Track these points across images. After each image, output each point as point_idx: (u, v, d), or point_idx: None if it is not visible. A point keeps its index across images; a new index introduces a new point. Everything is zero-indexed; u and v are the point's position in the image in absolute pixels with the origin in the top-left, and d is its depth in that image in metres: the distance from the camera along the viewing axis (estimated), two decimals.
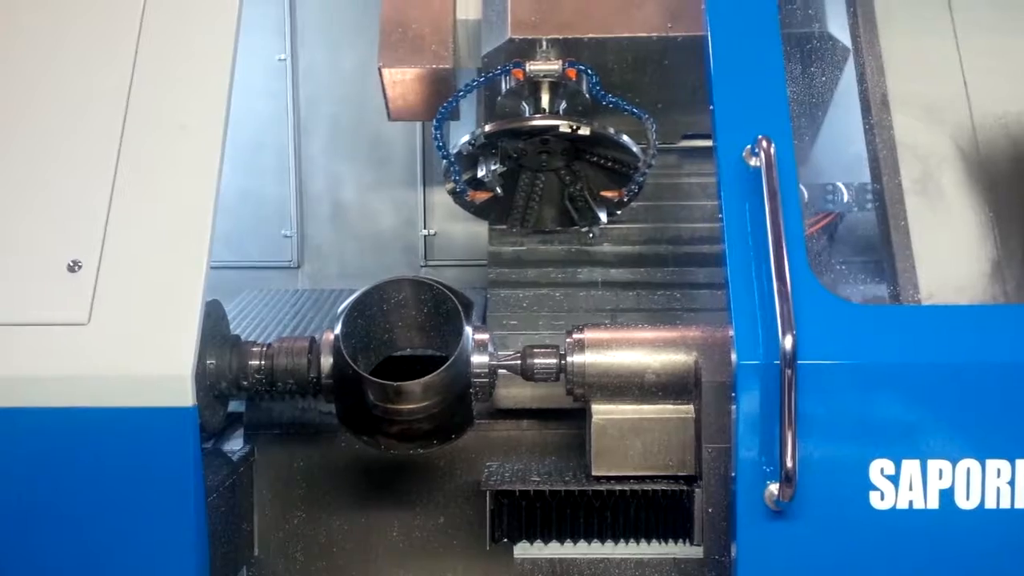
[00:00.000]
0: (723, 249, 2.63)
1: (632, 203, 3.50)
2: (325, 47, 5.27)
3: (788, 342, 2.40)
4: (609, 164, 3.32)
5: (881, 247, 2.94)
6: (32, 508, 2.60)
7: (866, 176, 3.10)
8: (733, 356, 2.52)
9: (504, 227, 3.59)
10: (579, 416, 2.96)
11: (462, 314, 2.83)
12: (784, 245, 2.49)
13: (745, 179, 2.65)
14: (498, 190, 3.33)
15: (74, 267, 2.65)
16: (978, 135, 2.98)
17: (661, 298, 3.50)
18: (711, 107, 2.76)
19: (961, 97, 3.01)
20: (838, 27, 3.22)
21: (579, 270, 3.58)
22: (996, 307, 2.81)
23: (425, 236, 5.21)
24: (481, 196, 3.41)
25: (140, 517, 2.59)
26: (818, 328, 2.49)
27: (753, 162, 2.65)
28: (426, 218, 5.21)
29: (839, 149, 3.38)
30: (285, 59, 5.24)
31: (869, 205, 3.20)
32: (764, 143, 2.60)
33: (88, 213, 2.69)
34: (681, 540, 2.81)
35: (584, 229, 3.53)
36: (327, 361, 2.81)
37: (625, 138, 3.20)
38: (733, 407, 2.52)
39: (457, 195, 3.39)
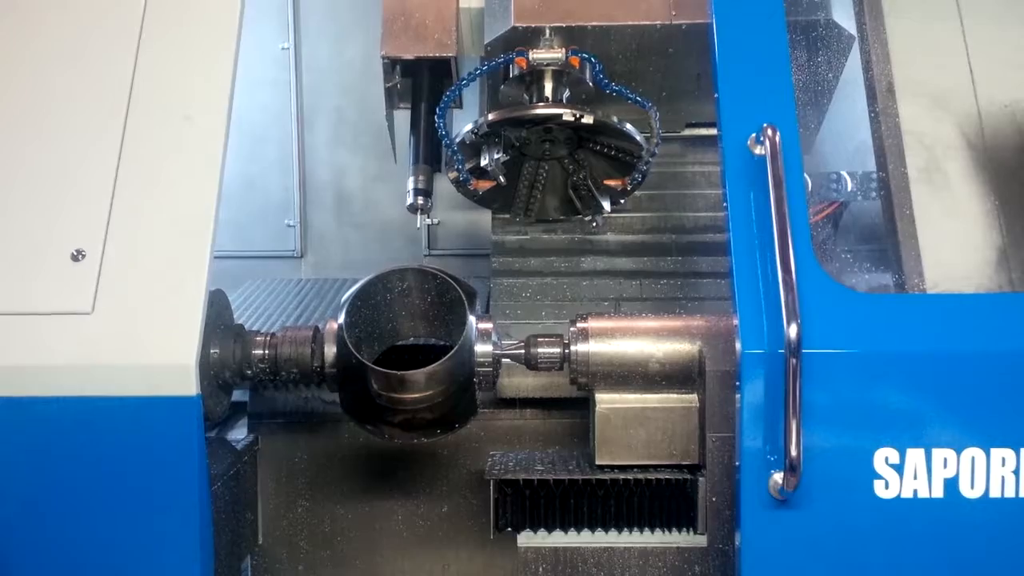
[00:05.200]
0: (728, 238, 2.62)
1: (635, 192, 3.49)
2: (328, 36, 5.26)
3: (793, 331, 2.39)
4: (612, 153, 3.31)
5: (886, 235, 2.93)
6: (37, 497, 2.60)
7: (871, 164, 3.09)
8: (737, 345, 2.51)
9: (507, 216, 3.59)
10: (583, 405, 2.96)
11: (466, 303, 2.83)
12: (789, 234, 2.48)
13: (750, 167, 2.65)
14: (501, 179, 3.32)
15: (78, 256, 2.65)
16: (984, 123, 2.97)
17: (664, 287, 3.49)
18: (716, 95, 2.75)
19: (967, 85, 3.00)
20: (843, 15, 3.20)
21: (582, 259, 3.57)
22: (1001, 295, 2.80)
23: (428, 225, 5.20)
24: (484, 185, 3.40)
25: (144, 506, 2.60)
26: (823, 317, 2.49)
27: (758, 150, 2.64)
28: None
29: (844, 137, 3.37)
30: (288, 48, 5.24)
31: (874, 194, 3.19)
32: (769, 131, 2.60)
33: (92, 203, 2.69)
34: (685, 529, 2.81)
35: (587, 218, 3.53)
36: (331, 350, 2.81)
37: (629, 127, 3.19)
38: (737, 396, 2.52)
39: (460, 184, 3.39)
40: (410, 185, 3.44)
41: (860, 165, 3.27)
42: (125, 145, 2.76)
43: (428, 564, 3.24)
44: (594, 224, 3.52)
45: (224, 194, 2.74)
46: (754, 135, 2.65)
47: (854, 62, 3.20)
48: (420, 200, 3.42)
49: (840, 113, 3.34)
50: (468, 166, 3.33)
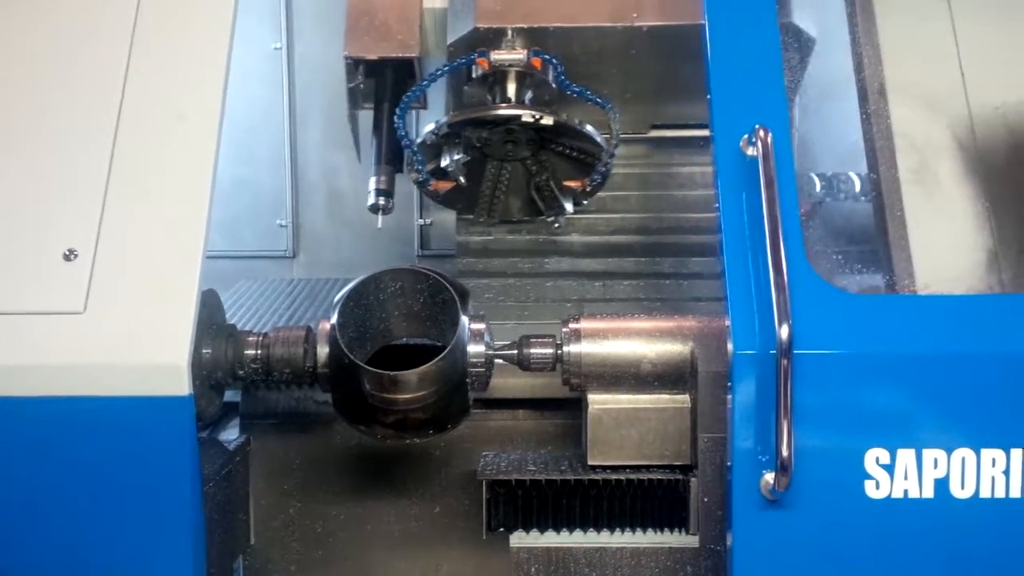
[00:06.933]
0: (719, 239, 2.63)
1: (600, 193, 3.48)
2: (321, 36, 5.25)
3: (784, 332, 2.40)
4: (574, 154, 3.31)
5: (877, 237, 2.94)
6: (28, 497, 2.60)
7: (836, 166, 3.11)
8: (729, 346, 2.52)
9: (472, 217, 3.59)
10: (575, 406, 2.96)
11: (458, 303, 2.83)
12: (781, 235, 2.49)
13: (742, 169, 2.65)
14: (461, 179, 3.31)
15: (70, 256, 2.64)
16: (975, 125, 2.98)
17: (628, 288, 3.51)
18: (708, 96, 2.76)
19: (959, 87, 3.01)
20: (803, 17, 3.20)
21: (546, 260, 3.58)
22: (992, 297, 2.82)
23: (421, 226, 5.21)
24: (444, 186, 3.39)
25: (136, 506, 2.59)
26: (814, 318, 2.49)
27: (750, 152, 2.65)
28: (422, 208, 5.20)
29: (810, 140, 3.38)
30: (281, 48, 5.23)
31: (843, 195, 3.22)
32: (761, 133, 2.60)
33: (84, 202, 2.69)
34: (677, 529, 2.81)
35: (550, 219, 3.52)
36: (323, 351, 2.81)
37: (589, 128, 3.19)
38: (729, 397, 2.53)
39: (421, 185, 3.39)
40: (372, 186, 3.45)
41: (828, 167, 3.29)
42: (117, 144, 2.76)
43: (420, 564, 3.24)
44: (556, 225, 3.52)
45: (216, 193, 2.74)
46: (746, 136, 2.66)
47: (815, 64, 3.21)
48: (381, 200, 3.43)
49: (806, 115, 3.35)
50: (430, 167, 3.33)
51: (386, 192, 3.44)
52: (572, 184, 3.39)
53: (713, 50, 2.79)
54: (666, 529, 2.83)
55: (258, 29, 5.21)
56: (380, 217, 3.47)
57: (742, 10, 2.84)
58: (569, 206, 3.41)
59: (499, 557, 2.97)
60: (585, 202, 3.50)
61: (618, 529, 2.85)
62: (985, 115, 2.98)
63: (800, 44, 3.20)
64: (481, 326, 2.84)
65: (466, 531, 3.20)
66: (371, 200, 3.43)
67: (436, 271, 2.91)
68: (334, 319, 2.80)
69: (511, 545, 2.85)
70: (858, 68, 3.09)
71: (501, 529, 2.87)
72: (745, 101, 2.72)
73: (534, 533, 2.86)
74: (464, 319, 2.80)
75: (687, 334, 2.78)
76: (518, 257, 3.58)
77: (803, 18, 3.19)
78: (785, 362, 2.40)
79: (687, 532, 2.76)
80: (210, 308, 2.81)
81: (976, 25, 3.07)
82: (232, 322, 2.97)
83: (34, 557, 2.61)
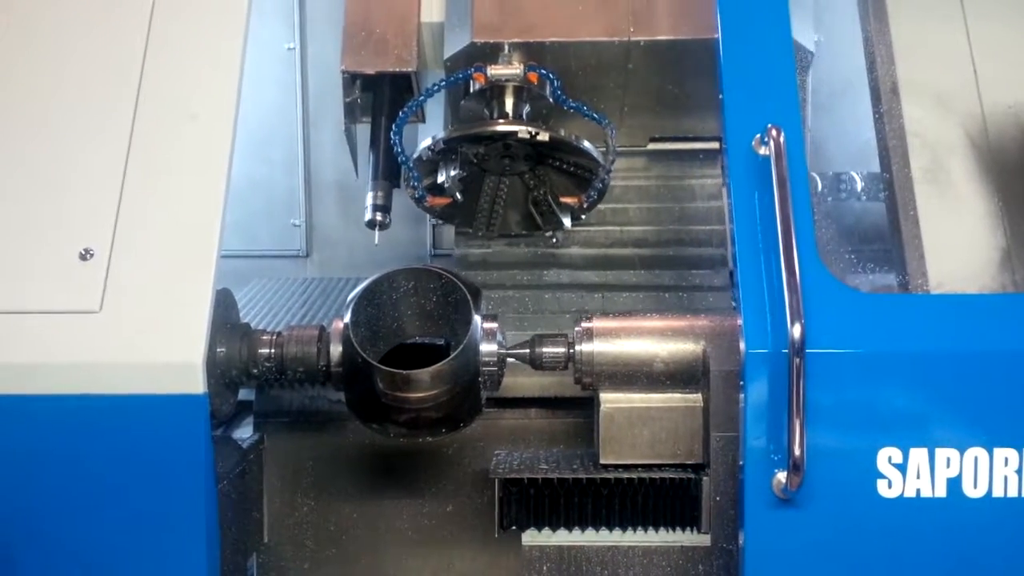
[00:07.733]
0: (731, 238, 2.63)
1: (599, 205, 3.47)
2: (334, 36, 5.24)
3: (796, 331, 2.40)
4: (572, 169, 3.30)
5: (890, 236, 2.94)
6: (44, 495, 2.62)
7: (848, 166, 3.12)
8: (742, 345, 2.52)
9: (471, 230, 3.59)
10: (587, 405, 2.97)
11: (471, 303, 2.84)
12: (793, 234, 2.49)
13: (754, 168, 2.66)
14: (457, 196, 3.30)
15: (86, 255, 2.66)
16: (988, 124, 2.98)
17: (627, 300, 3.51)
18: (720, 96, 2.76)
19: (971, 86, 3.01)
20: (801, 33, 3.19)
21: (545, 272, 3.58)
22: (1005, 296, 2.81)
23: (434, 226, 5.21)
24: (439, 202, 3.38)
25: (151, 504, 2.61)
26: (827, 317, 2.50)
27: (762, 151, 2.65)
28: None
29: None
30: (294, 48, 5.25)
31: (843, 195, 3.22)
32: (774, 132, 2.61)
33: (99, 201, 2.71)
34: (689, 528, 2.81)
35: (548, 233, 3.51)
36: (336, 349, 2.82)
37: (586, 143, 3.18)
38: (741, 396, 2.53)
39: (417, 201, 3.39)
40: (369, 201, 3.44)
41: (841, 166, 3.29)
42: (133, 144, 2.78)
43: (432, 562, 3.25)
44: (554, 240, 3.52)
45: (231, 193, 2.75)
46: (759, 136, 2.66)
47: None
48: (379, 216, 3.43)
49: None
50: (426, 183, 3.32)
51: (383, 207, 3.43)
52: (569, 200, 3.38)
53: (725, 50, 2.79)
54: (678, 528, 2.83)
55: (271, 30, 5.22)
56: (377, 233, 3.47)
57: (754, 10, 2.84)
58: (567, 221, 3.41)
59: (511, 555, 2.98)
60: (583, 217, 3.50)
61: (630, 528, 2.85)
62: (998, 114, 2.98)
63: (800, 60, 3.21)
64: (494, 325, 2.85)
65: (478, 529, 3.21)
66: (368, 216, 3.43)
67: (449, 270, 2.92)
68: (347, 318, 2.81)
69: (523, 543, 2.85)
70: (871, 67, 3.09)
71: (513, 527, 2.87)
72: (757, 100, 2.72)
73: (546, 532, 2.86)
74: (477, 318, 2.81)
75: (699, 333, 2.78)
76: (517, 269, 3.59)
77: (801, 32, 3.18)
78: (797, 361, 2.40)
79: (699, 531, 2.76)
80: (225, 307, 2.82)
81: (989, 24, 3.06)
82: (246, 321, 2.99)
83: (49, 553, 2.63)
